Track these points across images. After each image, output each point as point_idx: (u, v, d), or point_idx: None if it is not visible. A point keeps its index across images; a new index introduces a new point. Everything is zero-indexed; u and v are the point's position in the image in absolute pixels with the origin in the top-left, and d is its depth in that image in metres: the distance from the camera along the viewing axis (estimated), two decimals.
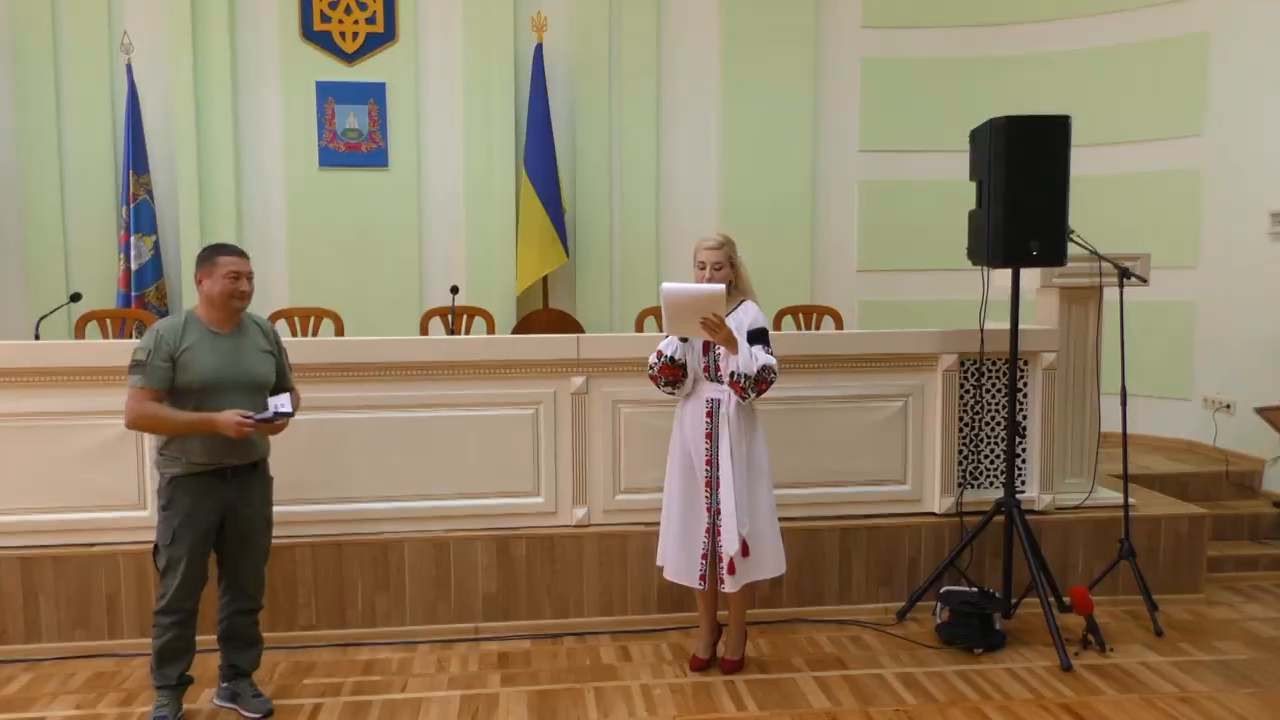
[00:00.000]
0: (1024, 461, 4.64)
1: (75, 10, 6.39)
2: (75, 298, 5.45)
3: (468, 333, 6.15)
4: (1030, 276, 4.64)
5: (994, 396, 4.62)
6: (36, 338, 5.07)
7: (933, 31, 6.95)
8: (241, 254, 3.50)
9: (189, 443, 3.39)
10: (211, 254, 3.49)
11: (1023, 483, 4.65)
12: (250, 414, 3.36)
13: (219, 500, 3.44)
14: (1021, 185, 4.09)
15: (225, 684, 3.66)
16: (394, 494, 4.30)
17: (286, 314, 5.74)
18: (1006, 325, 4.54)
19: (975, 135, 4.31)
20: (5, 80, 6.39)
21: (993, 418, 4.63)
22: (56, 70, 6.39)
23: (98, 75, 6.41)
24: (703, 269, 3.77)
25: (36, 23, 6.34)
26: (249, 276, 3.50)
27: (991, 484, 4.63)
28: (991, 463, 4.63)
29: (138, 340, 3.43)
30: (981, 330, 4.51)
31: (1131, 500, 4.66)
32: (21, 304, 6.37)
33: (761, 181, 6.86)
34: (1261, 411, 5.23)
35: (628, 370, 4.40)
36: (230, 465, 3.44)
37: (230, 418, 3.32)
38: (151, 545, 3.47)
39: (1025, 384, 4.64)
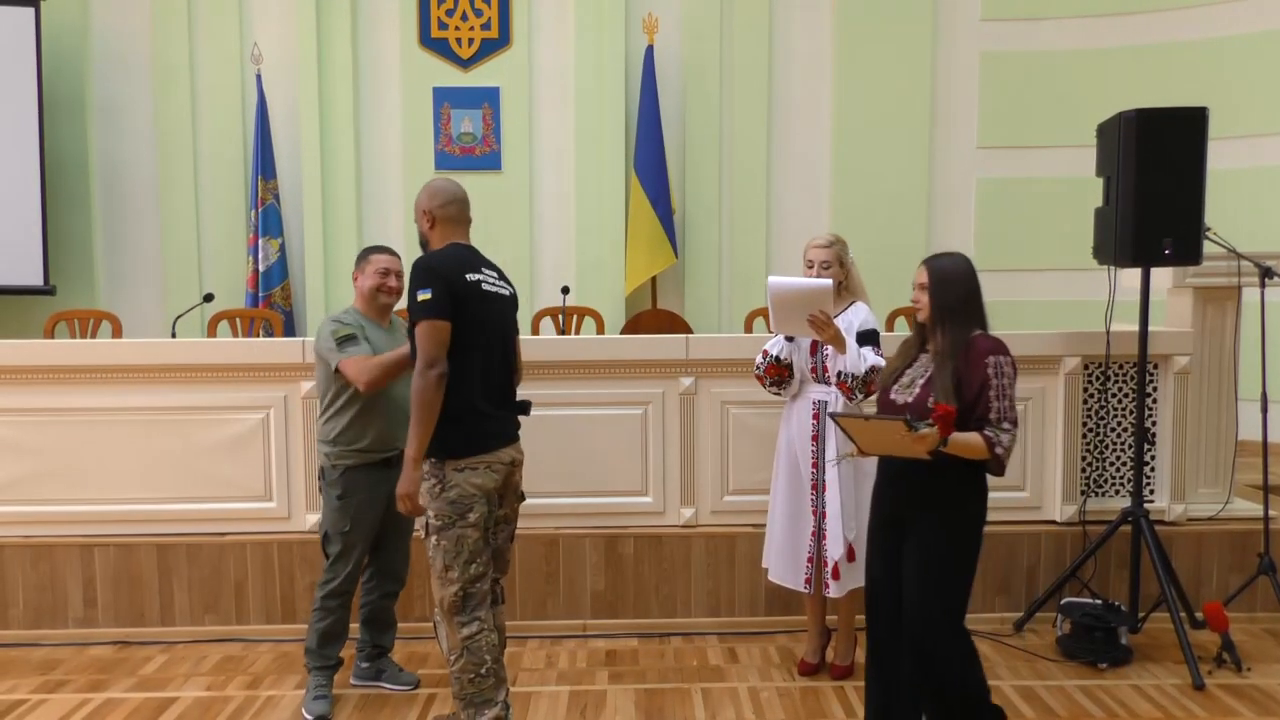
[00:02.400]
0: (1153, 469, 4.46)
1: (210, 25, 6.70)
2: (208, 298, 5.71)
3: (578, 333, 6.21)
4: (1161, 276, 4.44)
5: (1120, 401, 4.45)
6: (173, 335, 5.35)
7: (1055, 23, 6.72)
8: (392, 253, 3.66)
9: (363, 434, 3.50)
10: (366, 253, 3.67)
11: (1151, 492, 4.46)
12: None
13: (388, 487, 3.55)
14: (1153, 181, 3.93)
15: (366, 664, 3.79)
16: None
17: (401, 314, 5.90)
18: (1133, 327, 4.37)
19: (1103, 129, 4.15)
20: (146, 93, 6.75)
21: (1119, 423, 4.46)
22: (192, 82, 6.71)
23: (230, 86, 6.71)
24: (811, 268, 3.72)
25: (174, 38, 6.67)
26: (398, 274, 3.64)
27: (1117, 492, 4.46)
28: (1117, 470, 4.46)
29: (325, 328, 3.54)
30: (1108, 332, 4.35)
31: (1272, 512, 4.42)
32: (159, 302, 6.72)
33: (875, 180, 6.75)
34: None
35: (736, 371, 4.39)
36: (397, 451, 3.54)
37: None
38: (322, 531, 3.59)
39: (1155, 388, 4.45)
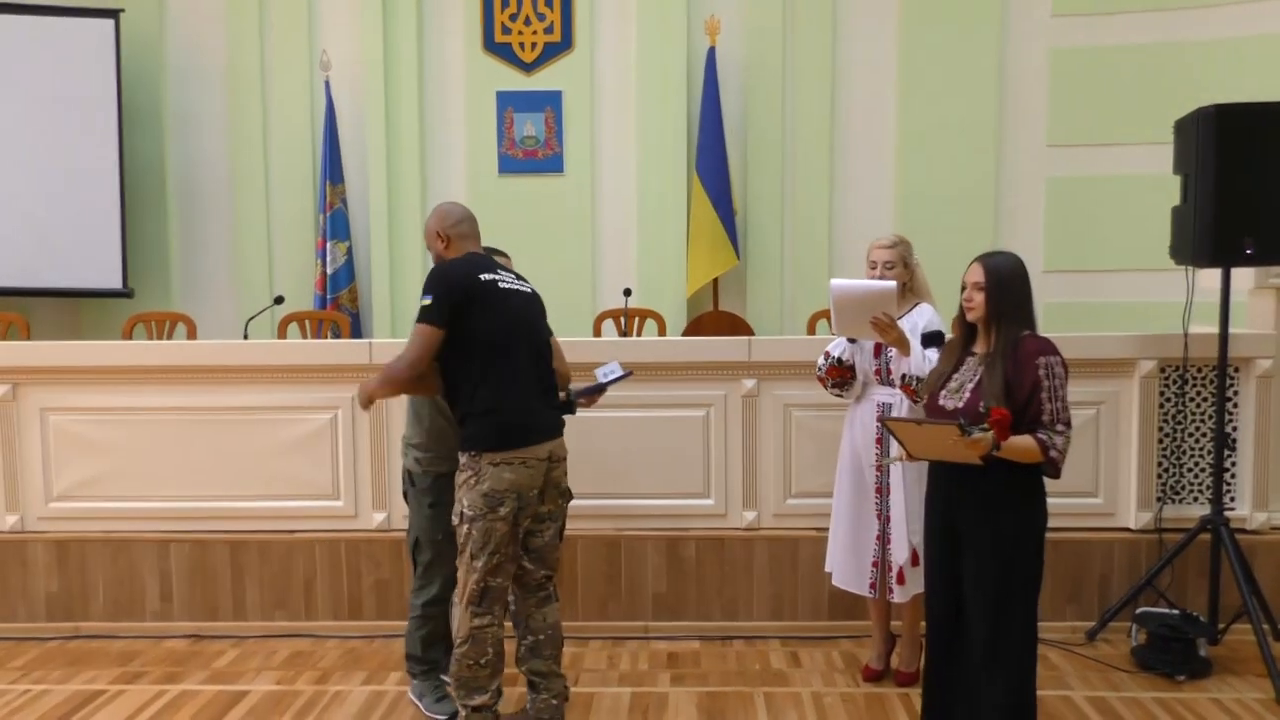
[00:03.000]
0: (1234, 476, 4.32)
1: (280, 32, 6.83)
2: (279, 300, 5.81)
3: (639, 335, 6.22)
4: (1242, 277, 4.32)
5: (1199, 406, 4.33)
6: (245, 337, 5.46)
7: (1128, 17, 6.55)
8: (502, 254, 3.65)
9: (453, 440, 3.52)
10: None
11: (1232, 499, 4.33)
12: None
13: None
14: (1234, 178, 3.82)
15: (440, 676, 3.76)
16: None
17: None
18: (1211, 329, 4.25)
19: (1181, 126, 4.05)
20: (220, 99, 6.90)
21: (1197, 428, 4.33)
22: (264, 89, 6.84)
23: (299, 92, 6.83)
24: (874, 269, 3.69)
25: (246, 46, 6.82)
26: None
27: (1195, 500, 4.34)
28: (1195, 477, 4.33)
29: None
30: (1185, 334, 4.23)
31: None
32: (232, 305, 6.85)
33: (940, 180, 6.64)
34: None
35: (798, 373, 4.37)
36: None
37: None
38: (412, 539, 3.58)
39: (1236, 392, 4.32)
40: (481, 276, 3.22)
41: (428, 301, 3.15)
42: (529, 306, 3.33)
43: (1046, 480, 3.00)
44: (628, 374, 3.60)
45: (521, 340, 3.23)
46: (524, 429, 3.20)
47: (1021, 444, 2.89)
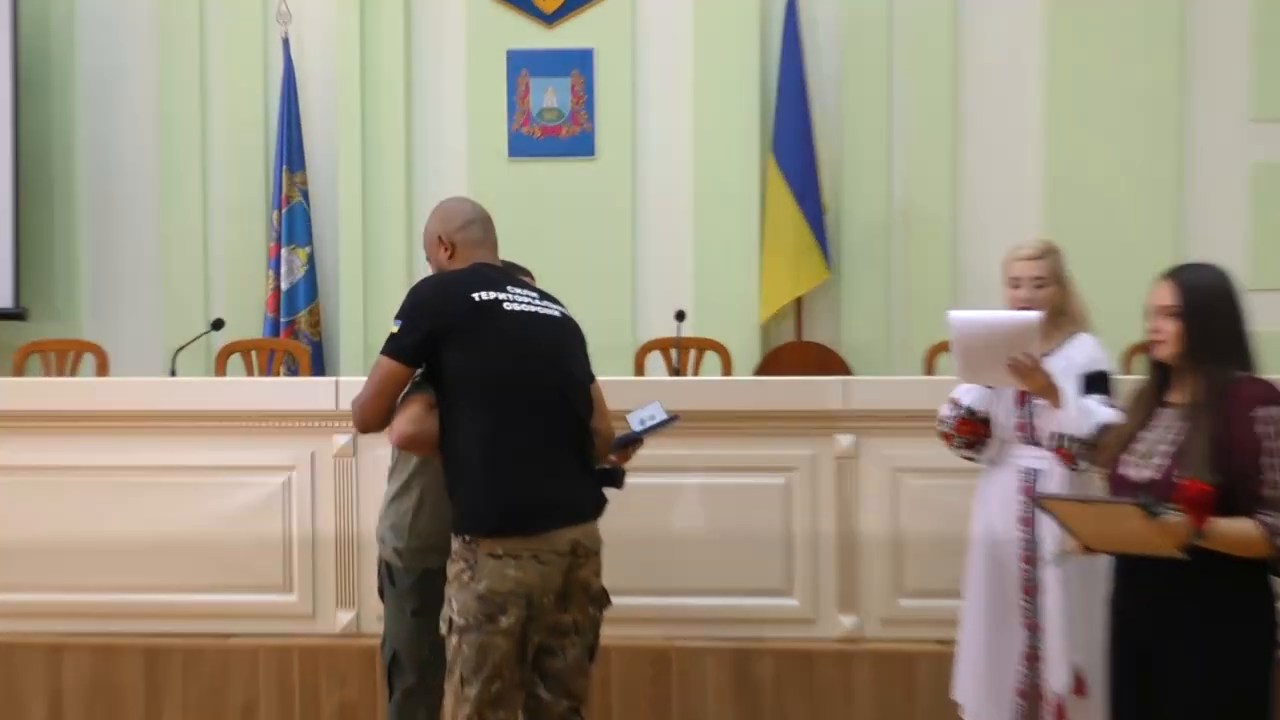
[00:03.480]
0: None
1: None
2: (217, 325, 5.83)
3: (696, 373, 6.15)
4: None
5: None
6: (172, 374, 5.46)
7: None
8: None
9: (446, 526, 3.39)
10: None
11: None
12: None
13: None
14: None
15: None
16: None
17: None
18: None
19: None
20: (146, 64, 6.96)
21: None
22: (203, 47, 6.91)
23: (249, 52, 6.90)
24: (1017, 287, 3.67)
25: None
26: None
27: None
28: None
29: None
30: None
31: None
32: (156, 330, 6.89)
33: (1102, 169, 6.59)
34: None
35: (913, 425, 4.31)
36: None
37: None
38: (389, 653, 3.50)
39: None
40: (478, 295, 3.18)
41: (395, 327, 3.19)
42: (553, 335, 3.27)
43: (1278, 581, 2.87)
44: (673, 419, 3.53)
45: (538, 382, 3.17)
46: (538, 508, 3.13)
47: (1235, 530, 2.78)
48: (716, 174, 6.72)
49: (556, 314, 3.32)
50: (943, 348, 5.81)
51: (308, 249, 6.73)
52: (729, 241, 6.69)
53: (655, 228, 6.84)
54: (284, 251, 6.69)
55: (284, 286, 6.67)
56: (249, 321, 6.77)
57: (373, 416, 3.20)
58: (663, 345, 6.20)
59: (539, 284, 3.60)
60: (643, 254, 6.83)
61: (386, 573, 3.52)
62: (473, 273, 3.27)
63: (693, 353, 6.19)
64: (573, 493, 3.21)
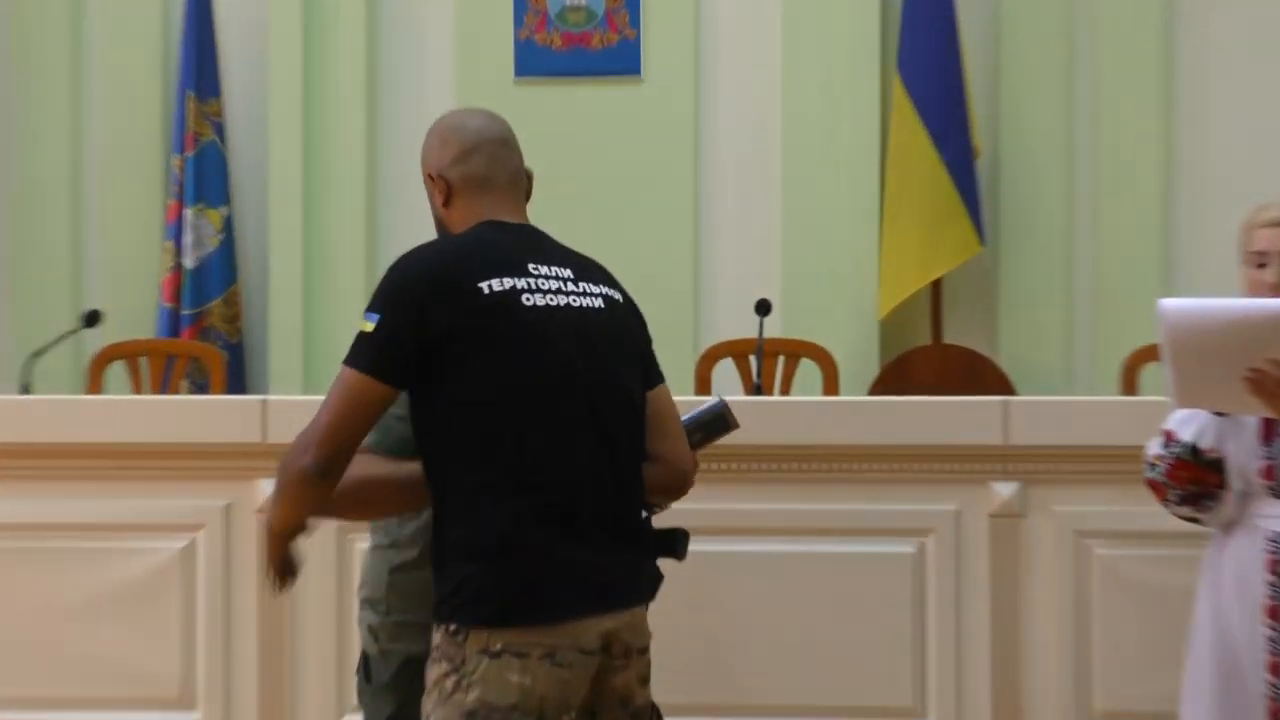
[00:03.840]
0: None
1: None
2: (91, 320, 5.82)
3: (786, 390, 6.16)
4: None
5: None
6: (25, 390, 5.47)
7: None
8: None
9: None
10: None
11: None
12: None
13: None
14: None
15: None
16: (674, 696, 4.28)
17: None
18: None
19: None
20: None
21: None
22: None
23: None
24: (1262, 265, 3.65)
25: None
26: None
27: None
28: None
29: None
30: None
31: None
32: (7, 327, 6.93)
33: None
34: None
35: (1102, 470, 4.36)
36: None
37: None
38: None
39: None
40: (486, 284, 3.13)
41: (368, 325, 3.10)
42: (591, 337, 3.21)
43: None
44: (725, 418, 3.49)
45: (567, 409, 3.15)
46: (556, 586, 3.11)
47: None
48: (815, 103, 6.72)
49: (598, 302, 3.25)
50: (1149, 355, 5.76)
51: (223, 210, 6.77)
52: (833, 202, 6.70)
53: (727, 181, 6.87)
54: (188, 213, 6.71)
55: (188, 264, 6.69)
56: (137, 315, 6.81)
57: (328, 458, 3.07)
58: (737, 350, 6.17)
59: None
60: (709, 219, 6.86)
61: (363, 666, 3.54)
62: (478, 243, 3.21)
63: (780, 360, 6.16)
64: (609, 564, 3.16)
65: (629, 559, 3.20)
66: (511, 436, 3.09)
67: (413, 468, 3.27)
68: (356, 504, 3.26)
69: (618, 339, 3.25)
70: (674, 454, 3.32)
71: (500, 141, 3.31)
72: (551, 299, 3.17)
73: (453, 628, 3.07)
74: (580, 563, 3.12)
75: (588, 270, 3.28)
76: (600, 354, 3.22)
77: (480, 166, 3.28)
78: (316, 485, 3.07)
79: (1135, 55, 6.65)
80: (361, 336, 3.07)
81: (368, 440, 3.42)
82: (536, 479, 3.09)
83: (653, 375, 3.32)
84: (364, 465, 3.28)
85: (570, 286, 3.22)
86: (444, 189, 3.28)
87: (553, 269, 3.22)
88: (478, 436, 3.09)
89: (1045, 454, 4.37)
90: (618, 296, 3.30)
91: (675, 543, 3.28)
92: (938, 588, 4.39)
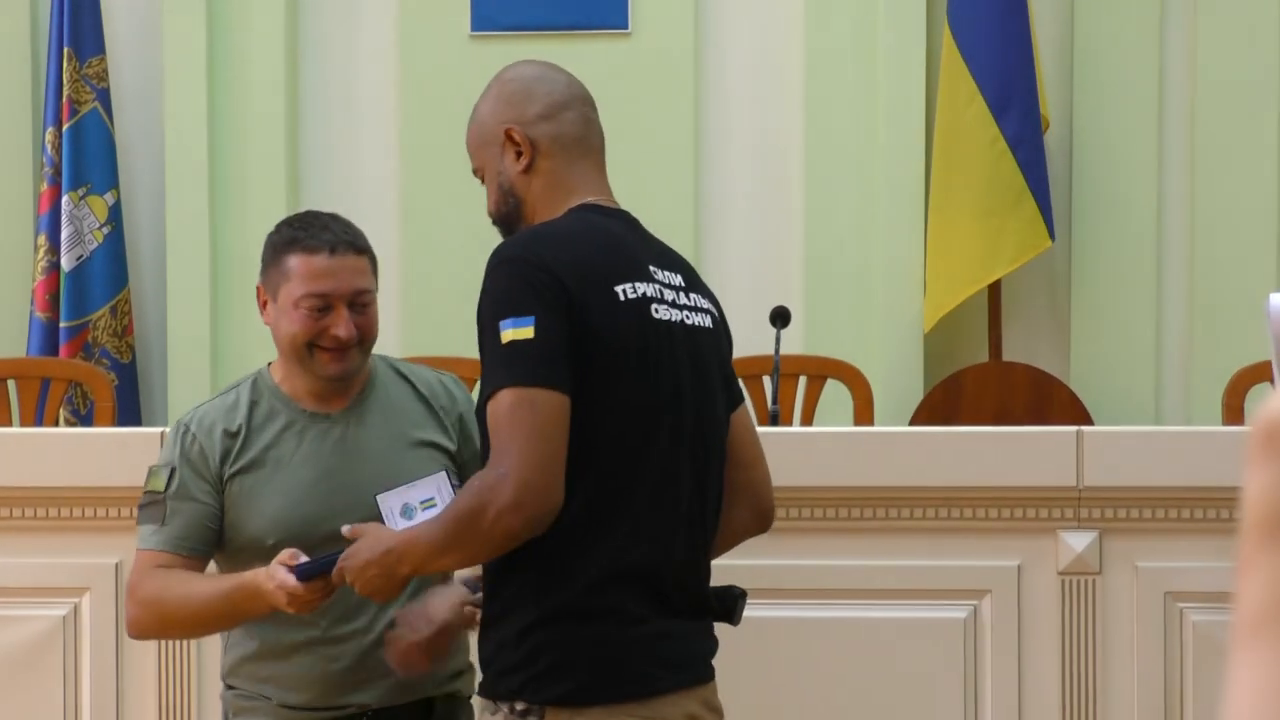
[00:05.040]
0: None
1: None
2: None
3: (808, 419, 6.18)
4: None
5: None
6: None
7: None
8: (340, 243, 3.72)
9: (279, 664, 3.63)
10: (279, 248, 3.77)
11: None
12: (314, 558, 3.50)
13: None
14: None
15: None
16: None
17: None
18: None
19: None
20: None
21: None
22: None
23: None
24: None
25: None
26: (360, 298, 3.69)
27: None
28: None
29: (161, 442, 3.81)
30: None
31: None
32: None
33: None
34: None
35: (1198, 517, 4.39)
36: (368, 709, 3.65)
37: (278, 576, 3.45)
38: None
39: None
40: (620, 288, 3.25)
41: (522, 331, 3.14)
42: (704, 359, 3.37)
43: None
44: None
45: (677, 443, 3.28)
46: (652, 656, 3.25)
47: None
48: (845, 63, 6.79)
49: (708, 320, 3.40)
50: (1258, 375, 5.83)
51: (110, 197, 6.81)
52: (868, 187, 6.77)
53: (736, 160, 6.93)
54: (66, 201, 6.75)
55: (66, 265, 6.73)
56: (3, 328, 6.89)
57: (546, 493, 3.11)
58: (748, 369, 6.19)
59: None
60: (713, 207, 6.92)
61: None
62: (602, 234, 3.32)
63: (802, 382, 6.20)
64: (690, 631, 3.34)
65: (704, 625, 3.36)
66: (618, 474, 3.23)
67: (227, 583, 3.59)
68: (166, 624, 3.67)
69: (719, 366, 3.42)
70: (758, 486, 3.48)
71: (591, 103, 3.43)
72: (674, 314, 3.31)
73: (520, 707, 3.16)
74: (667, 630, 3.27)
75: (694, 278, 3.44)
76: (707, 389, 3.37)
77: (576, 126, 3.39)
78: (519, 540, 3.13)
79: (1226, 16, 6.73)
80: (517, 347, 3.12)
81: (161, 540, 3.67)
82: (633, 528, 3.22)
83: (735, 393, 3.47)
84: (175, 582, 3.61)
85: (684, 299, 3.36)
86: (529, 151, 3.33)
87: (668, 275, 3.36)
88: (578, 468, 3.17)
89: (1128, 497, 4.38)
90: (718, 313, 3.46)
91: (734, 605, 3.41)
92: (995, 661, 4.40)
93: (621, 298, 3.20)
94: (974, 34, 6.53)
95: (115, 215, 6.80)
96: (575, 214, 3.28)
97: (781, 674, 4.40)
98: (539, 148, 3.33)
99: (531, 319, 3.09)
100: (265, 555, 3.56)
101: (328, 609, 3.54)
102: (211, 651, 4.43)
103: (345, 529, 3.41)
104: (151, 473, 3.71)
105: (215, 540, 3.67)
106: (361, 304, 3.67)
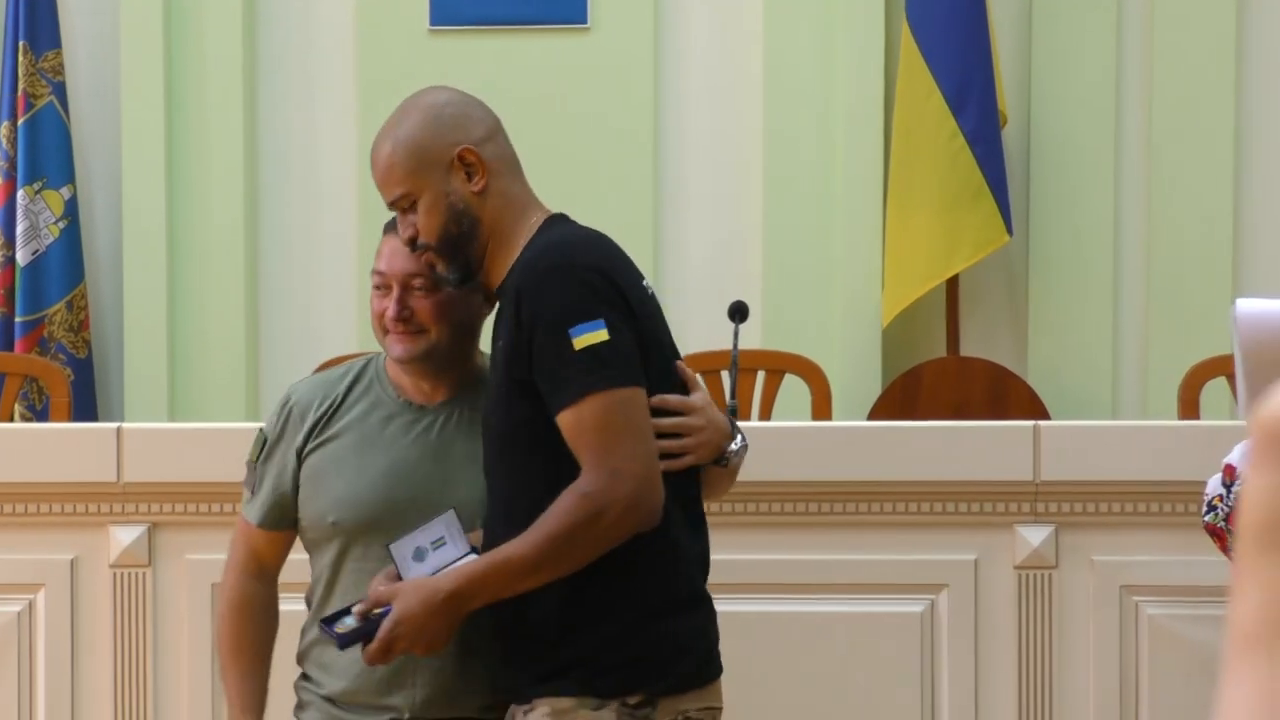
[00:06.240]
0: None
1: None
2: None
3: (766, 414, 6.18)
4: None
5: None
6: None
7: None
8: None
9: (327, 650, 3.61)
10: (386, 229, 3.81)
11: None
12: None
13: None
14: None
15: None
16: None
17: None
18: None
19: None
20: None
21: None
22: None
23: None
24: None
25: None
26: (414, 280, 3.68)
27: None
28: None
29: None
30: None
31: None
32: None
33: None
34: None
35: (1153, 512, 4.43)
36: (401, 716, 3.64)
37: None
38: None
39: None
40: (645, 283, 3.50)
41: (599, 334, 3.25)
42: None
43: None
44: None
45: None
46: (716, 635, 3.49)
47: None
48: (805, 58, 6.77)
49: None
50: (1214, 370, 5.84)
51: (66, 191, 6.78)
52: (826, 181, 6.75)
53: (695, 155, 6.91)
54: (21, 196, 6.72)
55: (21, 260, 6.70)
56: None
57: (658, 488, 3.25)
58: (705, 364, 6.16)
59: None
60: (672, 201, 6.90)
61: None
62: (602, 237, 3.51)
63: (760, 377, 6.19)
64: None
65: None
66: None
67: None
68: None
69: None
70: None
71: (498, 123, 3.58)
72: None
73: (633, 701, 3.26)
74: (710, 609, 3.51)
75: None
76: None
77: (509, 147, 3.54)
78: (628, 538, 3.26)
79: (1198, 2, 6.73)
80: (595, 351, 3.23)
81: (251, 511, 3.73)
82: (684, 516, 3.41)
83: None
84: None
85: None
86: (482, 170, 3.42)
87: None
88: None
89: (1084, 491, 4.41)
90: None
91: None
92: (952, 654, 4.42)
93: (649, 292, 3.42)
94: (932, 30, 6.51)
95: (71, 210, 6.76)
96: (560, 224, 3.46)
97: (737, 669, 4.17)
98: (491, 168, 3.42)
99: (602, 322, 3.20)
100: (327, 534, 3.63)
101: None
102: (167, 650, 4.42)
103: (364, 604, 3.39)
104: (256, 439, 3.75)
105: (295, 513, 3.70)
106: (417, 287, 3.66)
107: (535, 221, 3.43)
